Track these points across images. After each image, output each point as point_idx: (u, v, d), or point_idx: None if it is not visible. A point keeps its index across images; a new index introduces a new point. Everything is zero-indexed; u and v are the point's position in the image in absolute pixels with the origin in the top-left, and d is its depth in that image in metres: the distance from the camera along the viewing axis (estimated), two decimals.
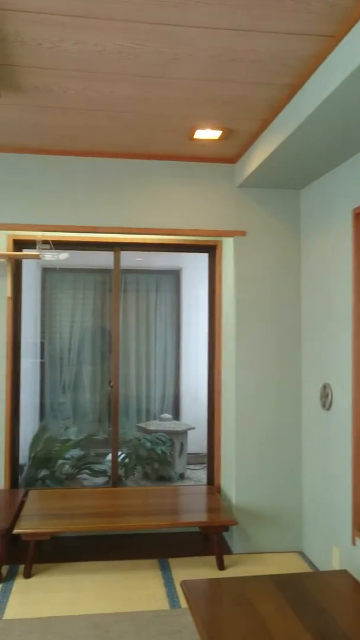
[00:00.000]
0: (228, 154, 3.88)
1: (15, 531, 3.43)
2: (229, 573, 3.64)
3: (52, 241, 4.25)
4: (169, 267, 6.46)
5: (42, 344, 6.34)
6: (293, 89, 2.83)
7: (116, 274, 4.51)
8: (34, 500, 3.97)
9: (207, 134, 3.46)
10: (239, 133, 3.47)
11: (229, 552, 4.00)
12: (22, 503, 3.96)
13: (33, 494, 4.12)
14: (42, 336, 6.34)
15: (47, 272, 6.38)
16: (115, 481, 4.49)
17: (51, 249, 4.30)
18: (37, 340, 6.30)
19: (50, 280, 6.40)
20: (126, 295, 6.45)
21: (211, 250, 4.51)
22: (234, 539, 3.98)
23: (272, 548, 4.01)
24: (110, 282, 6.22)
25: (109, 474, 5.08)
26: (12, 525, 3.52)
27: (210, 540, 4.02)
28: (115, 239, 4.32)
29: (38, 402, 6.27)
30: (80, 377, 6.42)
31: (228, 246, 4.21)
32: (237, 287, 4.02)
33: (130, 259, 6.22)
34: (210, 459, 4.54)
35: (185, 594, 2.56)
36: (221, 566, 3.70)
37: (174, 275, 6.49)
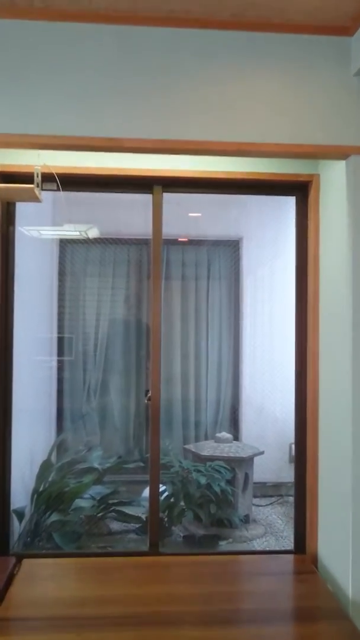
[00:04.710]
0: (341, 16, 2.32)
1: None
2: None
3: (59, 175, 2.77)
4: (225, 237, 4.90)
5: (59, 340, 4.90)
6: None
7: (157, 229, 2.99)
8: (27, 581, 2.49)
9: None
10: None
11: None
12: (11, 579, 2.50)
13: (28, 566, 2.64)
14: (60, 330, 4.90)
15: (67, 246, 4.94)
16: (154, 542, 2.97)
17: (58, 188, 2.83)
18: (54, 334, 4.86)
19: (71, 257, 4.95)
20: (168, 274, 4.95)
21: (301, 190, 2.95)
22: None
23: None
24: (149, 260, 4.74)
25: (145, 517, 3.60)
26: None
27: None
28: (154, 171, 2.82)
29: (54, 413, 4.84)
30: (108, 382, 4.96)
31: (334, 178, 2.66)
32: (357, 242, 2.45)
33: (171, 226, 4.71)
34: (300, 511, 2.98)
35: None
36: None
37: (232, 248, 4.94)
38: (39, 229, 4.77)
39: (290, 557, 2.83)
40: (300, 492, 2.99)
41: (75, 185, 2.90)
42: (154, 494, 3.05)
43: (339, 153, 2.45)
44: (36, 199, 2.68)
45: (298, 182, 2.90)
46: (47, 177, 2.78)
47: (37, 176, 2.70)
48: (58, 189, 2.83)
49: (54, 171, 2.76)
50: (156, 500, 3.06)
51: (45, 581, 2.50)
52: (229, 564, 2.70)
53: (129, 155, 2.81)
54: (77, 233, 4.96)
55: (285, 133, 2.41)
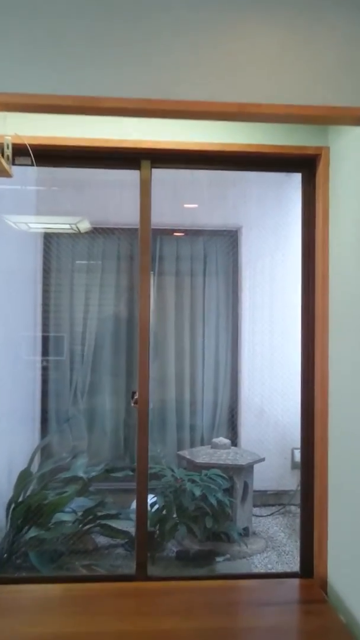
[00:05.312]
0: None
1: None
2: None
3: (31, 146, 2.43)
4: (222, 227, 4.56)
5: (44, 339, 4.55)
6: None
7: (145, 211, 2.65)
8: None
9: None
10: None
11: None
12: None
13: None
14: (45, 328, 4.55)
15: (52, 237, 4.60)
16: (142, 562, 2.62)
17: (32, 163, 2.49)
18: (37, 333, 4.51)
19: (56, 251, 4.61)
20: (161, 269, 4.61)
21: (308, 165, 2.62)
22: None
23: None
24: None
25: (133, 530, 3.25)
26: None
27: None
28: (141, 143, 2.49)
29: (38, 416, 4.50)
30: (97, 383, 4.61)
31: (346, 150, 2.33)
32: None
33: (165, 216, 4.38)
34: (307, 526, 2.64)
35: None
36: None
37: (230, 239, 4.60)
38: (27, 222, 4.44)
39: (296, 582, 2.49)
40: (307, 505, 2.65)
41: (51, 160, 2.57)
42: (141, 508, 2.71)
43: (353, 117, 2.12)
44: (6, 173, 2.35)
45: (305, 155, 2.56)
46: (20, 152, 2.45)
47: (7, 147, 2.37)
48: (32, 164, 2.49)
49: (26, 142, 2.42)
50: (143, 516, 2.72)
51: (13, 615, 2.15)
52: (226, 592, 2.36)
53: (111, 124, 2.48)
54: (68, 226, 4.64)
55: (292, 93, 2.07)
